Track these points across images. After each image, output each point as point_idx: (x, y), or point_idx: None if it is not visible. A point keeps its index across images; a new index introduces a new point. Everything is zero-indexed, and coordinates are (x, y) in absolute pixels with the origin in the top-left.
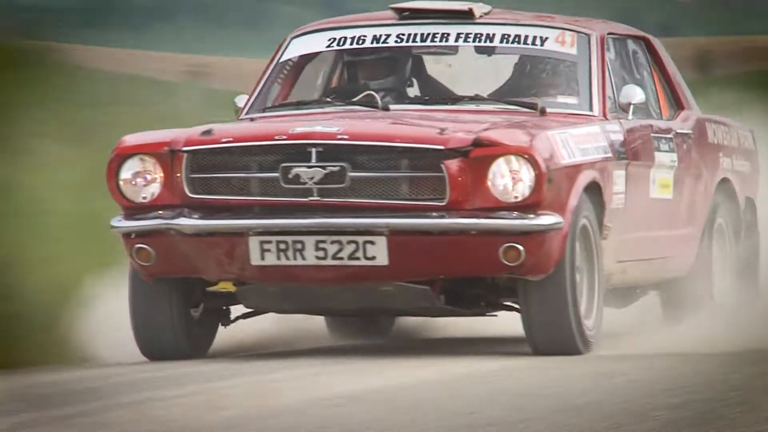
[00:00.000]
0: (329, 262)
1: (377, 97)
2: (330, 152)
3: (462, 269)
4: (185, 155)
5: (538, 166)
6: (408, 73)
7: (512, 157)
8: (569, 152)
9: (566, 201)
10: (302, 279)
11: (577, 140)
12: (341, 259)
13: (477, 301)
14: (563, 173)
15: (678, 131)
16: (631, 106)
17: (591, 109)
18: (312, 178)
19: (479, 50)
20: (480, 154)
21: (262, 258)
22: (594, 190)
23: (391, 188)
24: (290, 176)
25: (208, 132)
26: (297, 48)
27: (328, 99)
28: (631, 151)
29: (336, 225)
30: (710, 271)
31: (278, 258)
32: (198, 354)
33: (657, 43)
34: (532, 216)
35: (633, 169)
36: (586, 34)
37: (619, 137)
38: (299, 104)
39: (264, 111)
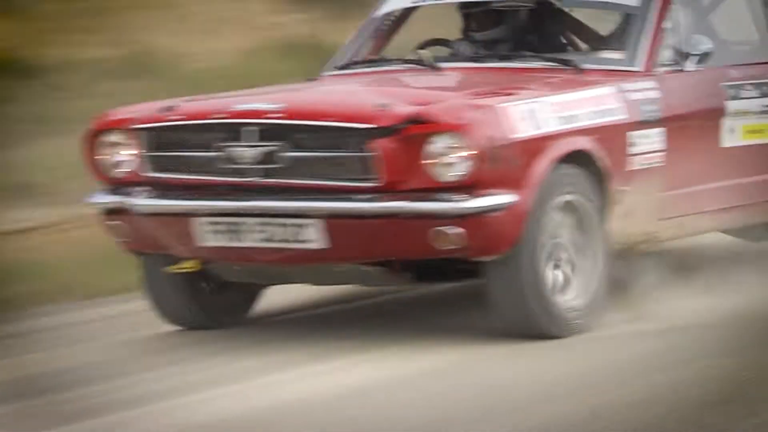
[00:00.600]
0: (267, 244)
1: (426, 56)
2: (267, 131)
3: (399, 252)
4: (143, 132)
5: (475, 143)
6: (519, 24)
7: (447, 135)
8: (536, 123)
9: (526, 177)
10: (246, 259)
11: (561, 107)
12: (278, 241)
13: (449, 274)
14: (520, 147)
15: None
16: (690, 57)
17: (634, 63)
18: (249, 158)
19: (547, 2)
20: (414, 132)
21: (207, 239)
22: (586, 159)
23: (326, 169)
24: (229, 156)
25: (166, 108)
26: (389, 4)
27: (389, 57)
28: (677, 106)
29: (270, 208)
30: None
31: (220, 240)
32: (227, 323)
33: None
34: (467, 197)
35: (682, 123)
36: None
37: (651, 95)
38: (366, 62)
39: (337, 69)
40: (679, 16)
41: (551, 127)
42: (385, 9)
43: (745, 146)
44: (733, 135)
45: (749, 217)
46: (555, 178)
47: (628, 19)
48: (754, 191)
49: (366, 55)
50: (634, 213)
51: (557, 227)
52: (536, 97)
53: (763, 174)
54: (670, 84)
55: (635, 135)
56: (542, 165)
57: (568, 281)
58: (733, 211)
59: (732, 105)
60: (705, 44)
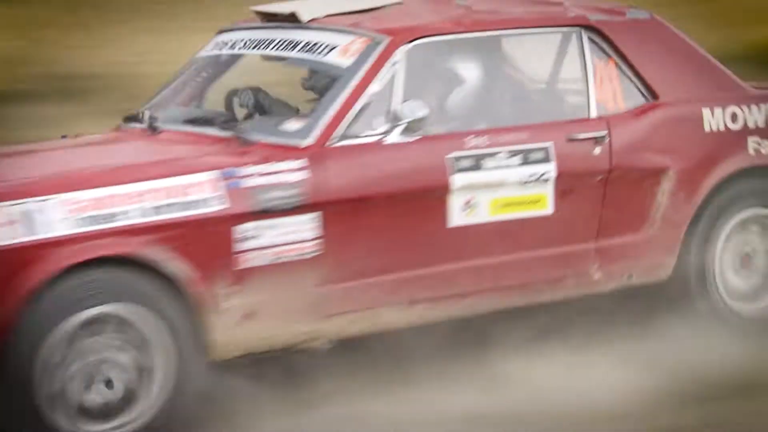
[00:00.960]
0: None
1: (148, 117)
2: None
3: None
4: None
5: None
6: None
7: None
8: (30, 227)
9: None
10: None
11: (93, 204)
12: None
13: None
14: None
15: (578, 137)
16: (396, 127)
17: (305, 137)
18: None
19: (269, 58)
20: None
21: None
22: (144, 263)
23: None
24: None
25: None
26: (210, 46)
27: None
28: (348, 186)
29: None
30: (707, 271)
31: None
32: None
33: (617, 29)
34: None
35: (356, 205)
36: (378, 41)
37: (291, 177)
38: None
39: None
40: (397, 79)
41: (60, 230)
42: (207, 51)
43: (498, 222)
44: (475, 211)
45: (495, 301)
46: (64, 291)
47: (332, 83)
48: (502, 272)
49: (181, 101)
50: (264, 315)
51: (89, 346)
52: (50, 194)
53: (524, 251)
54: (345, 160)
55: (251, 227)
56: (30, 280)
57: (119, 405)
58: (472, 297)
59: (467, 178)
60: (418, 111)
